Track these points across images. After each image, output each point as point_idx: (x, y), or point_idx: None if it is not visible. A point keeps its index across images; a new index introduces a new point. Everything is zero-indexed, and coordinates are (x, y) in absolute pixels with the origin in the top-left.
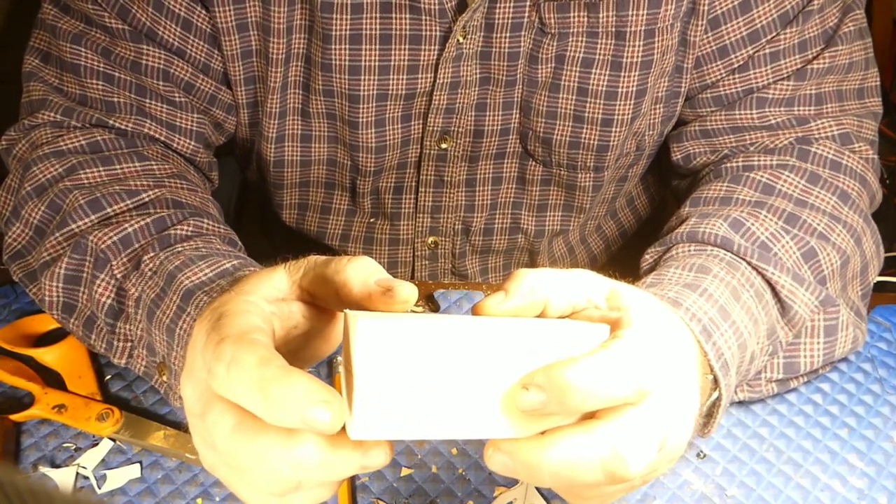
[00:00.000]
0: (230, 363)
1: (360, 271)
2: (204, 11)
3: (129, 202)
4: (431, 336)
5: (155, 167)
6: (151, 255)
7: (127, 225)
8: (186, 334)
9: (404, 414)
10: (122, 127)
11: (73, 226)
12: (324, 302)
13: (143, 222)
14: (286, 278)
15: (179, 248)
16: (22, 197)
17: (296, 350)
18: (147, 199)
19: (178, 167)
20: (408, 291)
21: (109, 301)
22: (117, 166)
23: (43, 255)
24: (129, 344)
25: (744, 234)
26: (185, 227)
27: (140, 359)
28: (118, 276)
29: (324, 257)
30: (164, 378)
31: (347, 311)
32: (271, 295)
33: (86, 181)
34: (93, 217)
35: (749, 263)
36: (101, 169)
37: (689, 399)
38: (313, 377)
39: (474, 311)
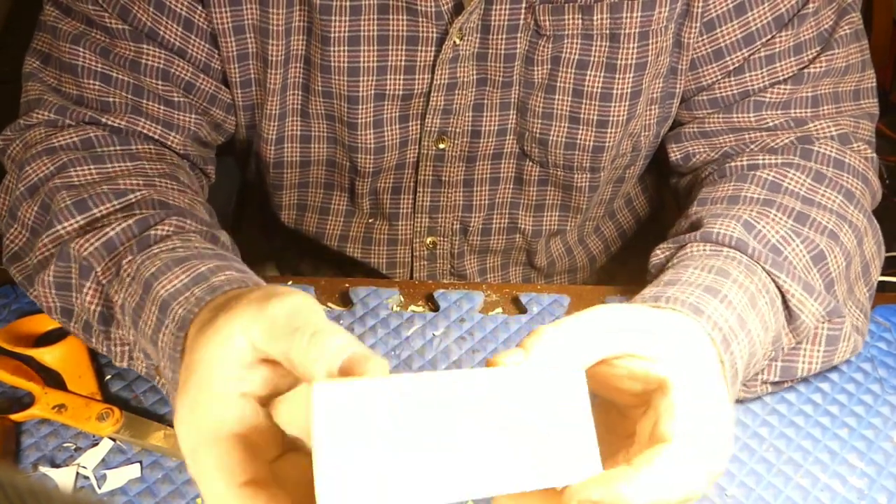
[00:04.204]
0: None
1: (323, 364)
2: (205, 11)
3: (115, 203)
4: (393, 397)
5: (147, 167)
6: (129, 258)
7: (109, 229)
8: (169, 348)
9: (374, 484)
10: (116, 125)
11: (59, 227)
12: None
13: (125, 224)
14: (247, 353)
15: (156, 250)
16: (16, 198)
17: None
18: (134, 200)
19: (170, 167)
20: (376, 367)
21: (99, 308)
22: (108, 165)
23: (33, 257)
24: (126, 347)
25: (755, 235)
26: (166, 227)
27: (140, 361)
28: (104, 282)
29: (285, 322)
30: (164, 381)
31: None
32: (233, 372)
33: (76, 180)
34: (78, 218)
35: (763, 268)
36: (91, 167)
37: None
38: None
39: (488, 364)
